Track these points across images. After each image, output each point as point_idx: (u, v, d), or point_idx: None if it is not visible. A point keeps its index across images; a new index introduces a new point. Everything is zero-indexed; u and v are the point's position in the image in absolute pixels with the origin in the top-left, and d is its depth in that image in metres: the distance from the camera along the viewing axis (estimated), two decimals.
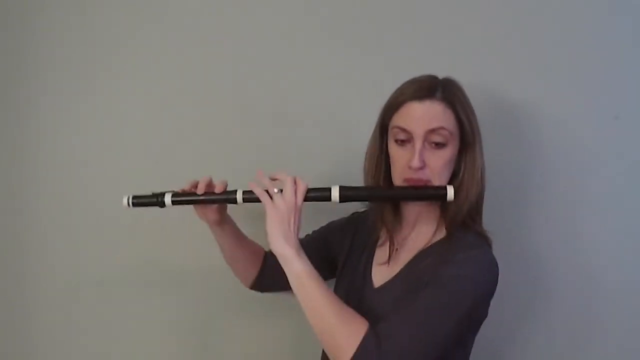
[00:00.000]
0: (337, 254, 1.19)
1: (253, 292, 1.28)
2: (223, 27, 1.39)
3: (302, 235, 1.20)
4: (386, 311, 0.94)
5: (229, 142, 1.40)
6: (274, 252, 0.94)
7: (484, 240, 1.01)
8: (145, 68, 1.43)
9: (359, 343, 0.86)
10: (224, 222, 1.15)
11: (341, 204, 1.00)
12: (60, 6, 1.45)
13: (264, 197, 0.97)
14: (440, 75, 1.03)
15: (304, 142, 1.37)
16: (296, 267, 0.92)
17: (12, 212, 1.50)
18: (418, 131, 0.97)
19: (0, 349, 1.51)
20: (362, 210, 1.20)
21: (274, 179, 1.00)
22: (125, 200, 1.09)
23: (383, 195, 1.06)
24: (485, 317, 1.00)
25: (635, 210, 1.25)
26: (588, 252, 1.27)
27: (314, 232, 1.25)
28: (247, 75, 1.39)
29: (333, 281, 1.18)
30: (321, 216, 1.25)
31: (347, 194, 0.99)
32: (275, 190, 0.97)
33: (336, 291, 1.13)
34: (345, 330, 0.87)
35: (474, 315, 0.95)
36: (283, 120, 1.38)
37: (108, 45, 1.44)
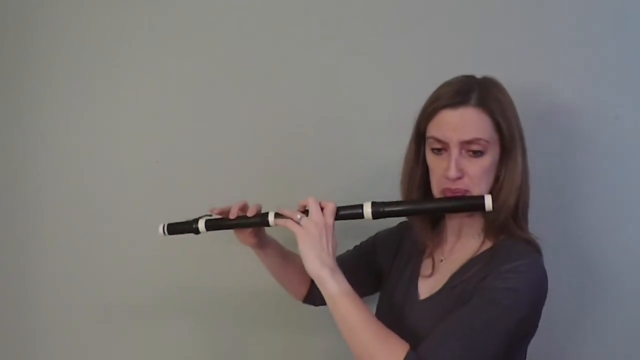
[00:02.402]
0: (383, 265, 1.16)
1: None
2: (223, 27, 1.39)
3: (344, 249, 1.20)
4: (430, 325, 0.90)
5: (229, 142, 1.40)
6: (309, 274, 0.91)
7: (532, 248, 0.95)
8: (145, 68, 1.43)
9: None
10: (265, 244, 1.12)
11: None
12: (60, 6, 1.45)
13: (289, 223, 0.95)
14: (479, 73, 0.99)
15: (303, 142, 1.37)
16: (331, 288, 0.89)
17: (12, 212, 1.50)
18: (453, 141, 0.92)
19: (0, 349, 1.51)
20: None
21: (302, 207, 0.98)
22: (160, 229, 1.08)
23: (418, 209, 1.01)
24: (536, 329, 0.94)
25: None
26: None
27: (361, 243, 1.22)
28: (248, 75, 1.38)
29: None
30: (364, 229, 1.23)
31: (380, 210, 0.95)
32: (299, 216, 0.95)
33: (380, 301, 1.11)
34: (384, 352, 0.84)
35: (523, 329, 0.90)
36: (286, 121, 1.38)
37: (108, 45, 1.44)
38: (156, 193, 1.43)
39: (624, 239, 1.24)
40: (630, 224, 1.24)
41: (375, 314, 1.10)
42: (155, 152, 1.43)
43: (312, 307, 1.21)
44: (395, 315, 1.01)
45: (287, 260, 1.16)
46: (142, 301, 1.45)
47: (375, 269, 1.16)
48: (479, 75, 0.99)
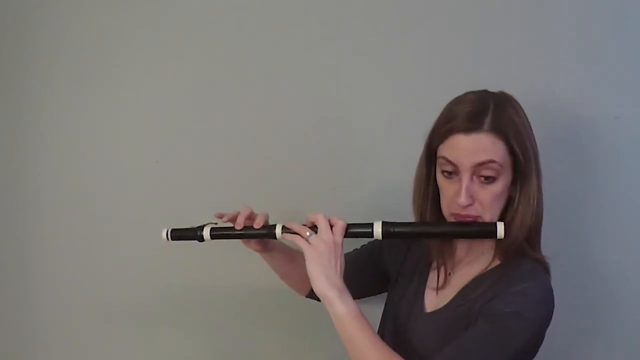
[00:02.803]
0: (389, 268, 1.15)
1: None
2: (223, 27, 1.39)
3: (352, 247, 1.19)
4: (434, 339, 0.90)
5: (229, 142, 1.40)
6: (316, 293, 0.91)
7: (541, 267, 0.94)
8: (145, 68, 1.43)
9: None
10: (270, 249, 1.12)
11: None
12: (60, 6, 1.45)
13: (298, 239, 0.94)
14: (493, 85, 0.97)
15: (303, 142, 1.37)
16: (338, 309, 0.88)
17: (12, 212, 1.50)
18: (464, 165, 0.90)
19: (0, 349, 1.51)
20: None
21: (311, 223, 0.96)
22: (164, 234, 1.07)
23: (429, 233, 1.00)
24: (537, 351, 0.93)
25: None
26: None
27: (367, 243, 1.20)
28: (248, 75, 1.38)
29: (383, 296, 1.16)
30: None
31: (390, 230, 0.94)
32: (308, 233, 0.94)
33: (385, 310, 1.10)
34: None
35: (527, 352, 0.89)
36: (286, 121, 1.37)
37: (108, 45, 1.44)
38: (156, 193, 1.43)
39: (624, 239, 1.24)
40: (630, 224, 1.24)
41: (380, 322, 1.10)
42: (155, 152, 1.43)
43: (314, 308, 1.20)
44: (400, 326, 1.00)
45: (291, 258, 1.16)
46: (142, 301, 1.45)
47: (381, 271, 1.15)
48: (494, 88, 0.96)
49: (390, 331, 0.92)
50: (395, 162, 1.21)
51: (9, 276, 1.51)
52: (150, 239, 1.42)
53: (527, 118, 0.95)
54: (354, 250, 1.20)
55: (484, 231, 0.92)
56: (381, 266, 1.15)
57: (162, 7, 1.41)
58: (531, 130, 0.95)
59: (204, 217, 1.41)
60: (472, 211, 0.92)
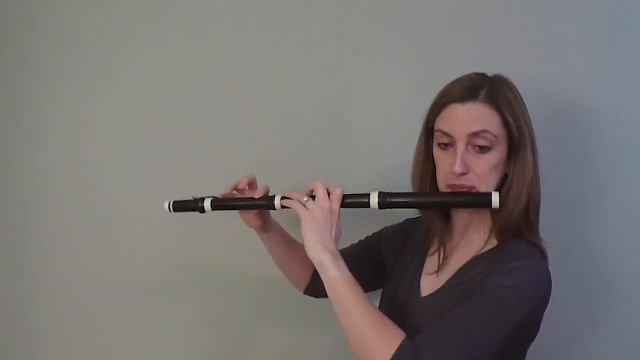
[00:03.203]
0: (387, 261, 1.15)
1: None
2: (223, 27, 1.39)
3: (349, 242, 1.20)
4: (431, 321, 0.89)
5: (229, 142, 1.40)
6: (310, 258, 0.91)
7: (538, 251, 0.94)
8: (145, 68, 1.43)
9: (393, 353, 0.81)
10: (269, 228, 1.13)
11: (392, 211, 0.97)
12: (60, 6, 1.45)
13: (295, 204, 0.95)
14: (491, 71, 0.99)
15: (303, 142, 1.37)
16: (331, 272, 0.88)
17: (12, 212, 1.50)
18: (459, 134, 0.92)
19: (0, 349, 1.51)
20: (415, 217, 1.16)
21: (309, 191, 0.97)
22: (166, 206, 1.09)
23: (424, 202, 1.00)
24: (535, 335, 0.93)
25: None
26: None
27: (366, 238, 1.22)
28: (248, 75, 1.38)
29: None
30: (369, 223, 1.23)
31: (387, 200, 0.95)
32: (305, 198, 0.95)
33: (382, 298, 1.11)
34: (379, 339, 0.83)
35: (522, 331, 0.88)
36: (286, 121, 1.38)
37: (108, 45, 1.44)
38: (156, 193, 1.43)
39: (624, 239, 1.24)
40: (630, 224, 1.24)
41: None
42: (155, 152, 1.43)
43: (314, 302, 1.21)
44: (397, 312, 1.00)
45: (291, 247, 1.17)
46: (142, 301, 1.45)
47: (380, 265, 1.16)
48: (490, 73, 0.98)
49: (388, 317, 0.92)
50: (395, 162, 1.21)
51: (9, 276, 1.51)
52: (151, 238, 1.44)
53: (522, 98, 0.97)
54: (351, 245, 1.21)
55: (479, 200, 0.92)
56: (379, 260, 1.16)
57: (162, 7, 1.41)
58: (526, 110, 0.96)
59: (204, 217, 1.41)
60: (467, 181, 0.93)
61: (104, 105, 1.45)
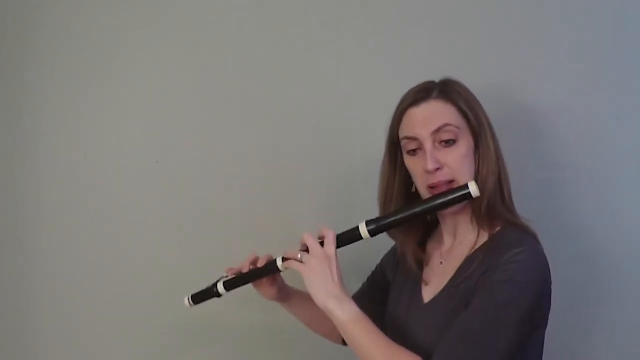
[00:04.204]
0: (390, 281, 1.16)
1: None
2: (223, 27, 1.39)
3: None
4: (435, 327, 0.92)
5: (229, 142, 1.40)
6: (319, 308, 0.93)
7: (529, 236, 0.95)
8: (145, 68, 1.43)
9: None
10: (288, 296, 1.15)
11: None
12: (60, 6, 1.45)
13: (293, 264, 0.96)
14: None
15: (303, 142, 1.37)
16: (338, 317, 0.91)
17: (12, 212, 1.50)
18: (423, 134, 0.95)
19: (0, 349, 1.51)
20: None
21: (303, 245, 0.98)
22: (186, 301, 1.15)
23: (409, 215, 1.00)
24: (546, 318, 0.94)
25: None
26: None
27: (371, 273, 1.22)
28: (248, 74, 1.39)
29: None
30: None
31: (375, 226, 0.97)
32: (299, 255, 0.96)
33: (386, 311, 1.11)
34: None
35: (532, 319, 0.89)
36: (285, 120, 1.38)
37: (108, 45, 1.44)
38: (156, 193, 1.43)
39: (624, 239, 1.24)
40: (630, 224, 1.24)
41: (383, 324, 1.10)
42: (155, 152, 1.43)
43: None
44: (400, 323, 1.01)
45: (316, 309, 1.07)
46: (142, 301, 1.45)
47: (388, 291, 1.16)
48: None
49: (392, 330, 0.92)
50: None
51: (9, 276, 1.51)
52: (151, 238, 1.44)
53: (473, 94, 1.00)
54: (361, 285, 1.21)
55: (459, 195, 0.93)
56: (387, 286, 1.16)
57: (162, 7, 1.41)
58: (479, 103, 0.99)
59: (204, 217, 1.42)
60: (444, 176, 0.95)
61: (104, 105, 1.44)
